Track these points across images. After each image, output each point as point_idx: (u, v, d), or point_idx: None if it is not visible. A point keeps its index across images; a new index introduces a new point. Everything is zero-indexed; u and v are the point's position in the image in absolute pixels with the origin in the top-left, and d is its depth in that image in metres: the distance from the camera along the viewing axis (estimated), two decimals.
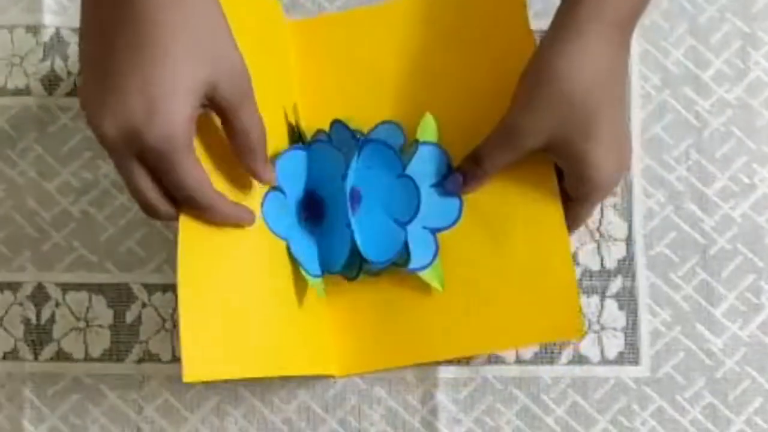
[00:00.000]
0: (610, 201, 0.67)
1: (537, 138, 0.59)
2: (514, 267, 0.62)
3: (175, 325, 0.65)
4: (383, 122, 0.65)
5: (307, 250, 0.62)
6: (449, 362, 0.65)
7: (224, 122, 0.54)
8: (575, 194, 0.61)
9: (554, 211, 0.62)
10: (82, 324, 0.65)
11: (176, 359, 0.65)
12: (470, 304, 0.62)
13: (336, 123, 0.64)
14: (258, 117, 0.55)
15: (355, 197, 0.63)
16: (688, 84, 0.68)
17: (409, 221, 0.63)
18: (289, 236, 0.61)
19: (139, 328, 0.65)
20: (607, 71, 0.58)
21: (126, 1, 0.49)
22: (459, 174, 0.63)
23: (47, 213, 0.66)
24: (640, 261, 0.66)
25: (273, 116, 0.61)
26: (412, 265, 0.62)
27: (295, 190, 0.62)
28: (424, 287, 0.63)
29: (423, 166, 0.64)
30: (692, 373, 0.65)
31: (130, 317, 0.65)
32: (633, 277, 0.66)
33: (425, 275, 0.62)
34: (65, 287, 0.65)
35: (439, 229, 0.63)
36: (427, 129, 0.64)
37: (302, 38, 0.68)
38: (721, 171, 0.68)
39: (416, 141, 0.64)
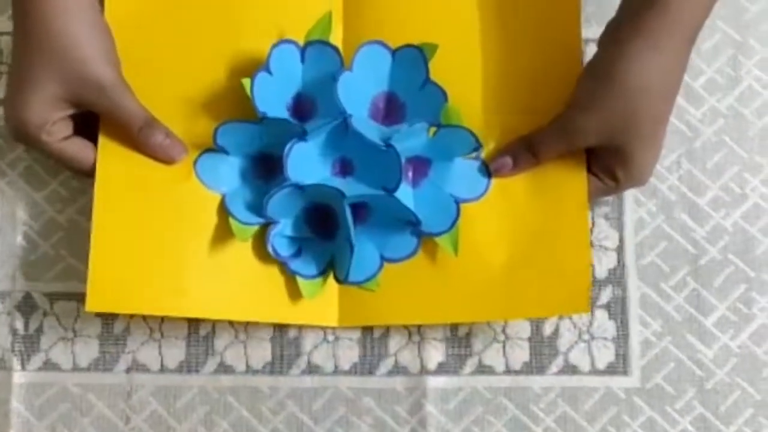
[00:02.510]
0: (601, 210, 0.67)
1: (595, 138, 0.61)
2: (531, 241, 0.63)
3: (162, 333, 0.65)
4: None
5: (246, 203, 0.63)
6: (439, 372, 0.64)
7: None
8: (606, 182, 0.63)
9: (579, 197, 0.63)
10: (70, 334, 0.65)
11: (165, 369, 0.64)
12: (481, 271, 0.63)
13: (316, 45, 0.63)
14: (133, 109, 0.61)
15: (348, 166, 0.63)
16: (679, 93, 0.68)
17: (394, 190, 0.62)
18: (225, 191, 0.63)
19: (127, 338, 0.65)
20: (670, 78, 0.60)
21: (16, 19, 0.61)
22: (509, 157, 0.63)
23: (36, 222, 0.66)
24: (631, 271, 0.66)
25: (221, 80, 0.64)
26: (430, 229, 0.63)
27: (243, 150, 0.63)
28: (437, 251, 0.63)
29: (452, 141, 0.64)
30: (682, 384, 0.65)
31: (118, 327, 0.65)
32: (623, 287, 0.66)
33: (441, 240, 0.63)
34: (53, 297, 0.65)
35: (464, 200, 0.64)
36: (452, 115, 0.64)
37: None
38: (713, 180, 0.67)
39: (439, 125, 0.63)
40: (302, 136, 0.61)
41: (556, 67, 0.64)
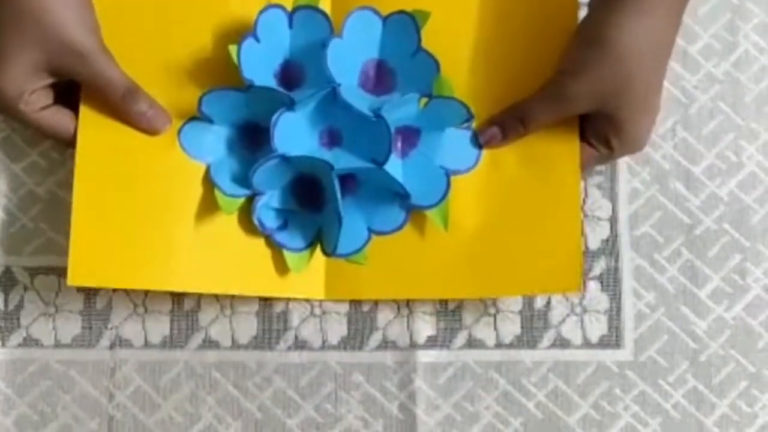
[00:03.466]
0: (594, 180, 0.65)
1: (586, 104, 0.59)
2: (522, 215, 0.62)
3: (146, 308, 0.63)
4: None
5: (232, 174, 0.61)
6: (429, 346, 0.63)
7: None
8: (600, 150, 0.61)
9: (571, 168, 0.62)
10: (51, 309, 0.63)
11: (149, 345, 0.63)
12: (471, 247, 0.62)
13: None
14: (115, 76, 0.59)
15: (335, 137, 0.62)
16: (675, 59, 0.66)
17: (383, 162, 0.60)
18: (210, 161, 0.61)
19: (110, 313, 0.63)
20: (661, 42, 0.58)
21: None
22: (497, 127, 0.62)
23: (14, 195, 0.64)
24: (624, 241, 0.65)
25: (207, 47, 0.62)
26: (420, 201, 0.61)
27: (229, 119, 0.61)
28: (426, 225, 0.62)
29: (443, 111, 0.62)
30: (676, 357, 0.64)
31: (100, 303, 0.63)
32: (617, 258, 0.65)
33: (431, 214, 0.61)
34: (33, 271, 0.64)
35: (454, 172, 0.62)
36: (444, 85, 0.62)
37: None
38: (708, 148, 0.66)
39: (431, 95, 0.62)
40: (290, 105, 0.59)
41: (551, 35, 0.62)
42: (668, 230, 0.65)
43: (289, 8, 0.61)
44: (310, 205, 0.62)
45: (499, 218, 0.62)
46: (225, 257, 0.61)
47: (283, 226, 0.62)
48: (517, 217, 0.62)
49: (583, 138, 0.62)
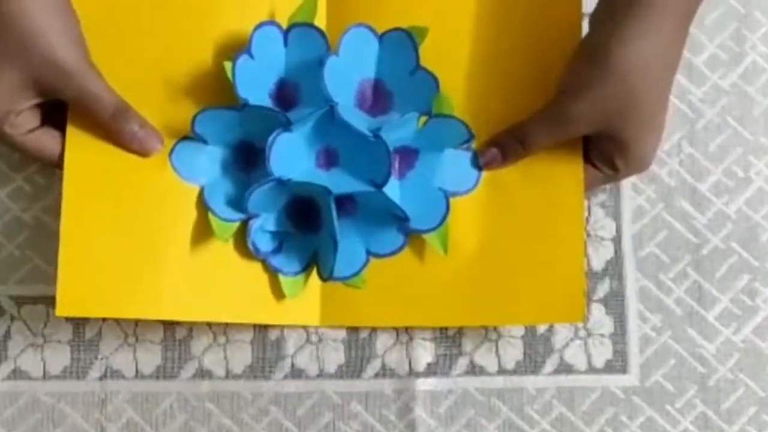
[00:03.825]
0: (597, 198, 0.63)
1: (589, 126, 0.57)
2: (523, 240, 0.60)
3: (137, 337, 0.62)
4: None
5: (226, 197, 0.59)
6: (428, 373, 0.61)
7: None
8: (605, 171, 0.59)
9: (575, 191, 0.60)
10: (39, 340, 0.61)
11: (141, 375, 0.61)
12: (471, 273, 0.60)
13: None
14: (103, 94, 0.57)
15: (332, 157, 0.59)
16: (680, 71, 0.63)
17: (382, 184, 0.58)
18: (204, 183, 0.59)
19: (99, 342, 0.61)
20: (668, 58, 0.56)
21: None
22: (497, 149, 0.60)
23: None
24: (629, 262, 0.63)
25: (199, 64, 0.60)
26: (418, 225, 0.59)
27: (223, 139, 0.59)
28: (425, 250, 0.60)
29: (442, 130, 0.60)
30: (683, 381, 0.62)
31: (90, 332, 0.61)
32: (621, 280, 0.63)
33: (429, 238, 0.59)
34: (20, 300, 0.62)
35: (454, 193, 0.60)
36: (444, 103, 0.60)
37: None
38: (715, 164, 0.64)
39: (430, 114, 0.60)
40: (286, 126, 0.57)
41: (553, 53, 0.59)
42: (674, 250, 0.63)
43: (284, 26, 0.59)
44: (306, 227, 0.60)
45: (500, 242, 0.60)
46: (218, 284, 0.59)
47: (278, 249, 0.60)
48: (519, 242, 0.60)
49: (587, 159, 0.60)
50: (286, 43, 0.59)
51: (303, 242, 0.60)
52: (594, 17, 0.57)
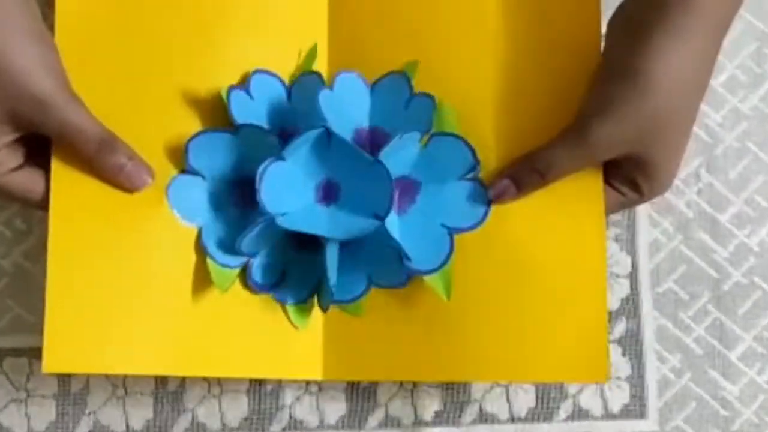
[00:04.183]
0: (611, 232, 0.60)
1: (617, 149, 0.52)
2: (537, 283, 0.55)
3: (126, 390, 0.58)
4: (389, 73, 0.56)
5: (224, 240, 0.55)
6: (436, 423, 0.58)
7: None
8: (627, 194, 0.55)
9: (595, 225, 0.55)
10: (22, 394, 0.58)
11: (132, 430, 0.58)
12: (478, 321, 0.55)
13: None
14: (86, 125, 0.53)
15: (333, 191, 0.55)
16: None
17: (385, 215, 0.53)
18: (201, 223, 0.55)
19: (87, 396, 0.58)
20: (698, 74, 0.52)
21: None
22: (508, 180, 0.55)
23: None
24: (646, 300, 0.59)
25: (193, 90, 0.55)
26: (419, 265, 0.54)
27: (219, 171, 0.55)
28: (428, 294, 0.55)
29: (445, 157, 0.55)
30: (705, 426, 0.59)
31: (76, 385, 0.58)
32: (638, 319, 0.59)
33: (431, 280, 0.54)
34: (1, 353, 0.58)
35: (458, 230, 0.55)
36: (446, 120, 0.55)
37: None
38: (736, 193, 0.60)
39: (431, 133, 0.56)
40: (279, 151, 0.53)
41: (571, 71, 0.55)
42: (693, 286, 0.60)
43: (286, 78, 0.56)
44: (309, 250, 0.55)
45: (510, 286, 0.55)
46: (216, 336, 0.55)
47: (281, 280, 0.56)
48: (532, 286, 0.55)
49: (606, 180, 0.55)
50: (289, 97, 0.56)
51: (308, 267, 0.55)
52: (614, 26, 0.53)
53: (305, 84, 0.56)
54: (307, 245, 0.55)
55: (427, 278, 0.55)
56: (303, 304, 0.56)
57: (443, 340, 0.55)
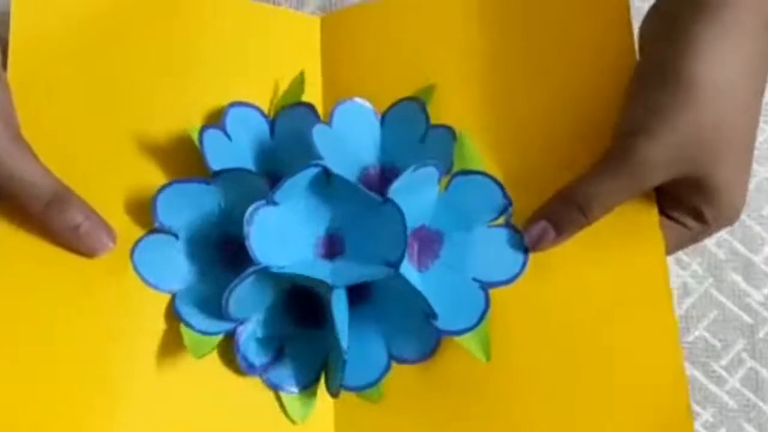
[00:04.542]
0: None
1: (671, 170, 0.44)
2: (593, 340, 0.46)
3: None
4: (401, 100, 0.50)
5: (203, 304, 0.47)
6: None
7: None
8: (690, 226, 0.47)
9: (655, 262, 0.46)
10: None
11: None
12: (523, 387, 0.46)
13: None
14: (35, 177, 0.45)
15: (336, 244, 0.48)
16: None
17: (398, 261, 0.46)
18: (175, 289, 0.47)
19: None
20: (754, 74, 0.45)
21: None
22: (545, 222, 0.47)
23: None
24: None
25: (163, 135, 0.49)
26: (448, 326, 0.46)
27: (196, 229, 0.48)
28: (462, 357, 0.47)
29: (470, 198, 0.48)
30: None
31: None
32: None
33: (465, 340, 0.46)
34: None
35: (492, 284, 0.47)
36: (469, 154, 0.49)
37: (331, 32, 0.53)
38: None
39: (452, 172, 0.49)
40: (270, 195, 0.46)
41: (604, 87, 0.48)
42: (726, 333, 0.55)
43: (267, 111, 0.50)
44: (312, 321, 0.48)
45: (560, 345, 0.46)
46: (199, 416, 0.47)
47: (276, 359, 0.48)
48: (586, 342, 0.46)
49: (662, 211, 0.47)
50: (272, 133, 0.50)
51: (310, 343, 0.48)
52: (651, 29, 0.47)
53: (293, 117, 0.49)
54: (309, 318, 0.48)
55: (460, 339, 0.47)
56: (304, 393, 0.48)
57: (479, 410, 0.47)
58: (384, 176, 0.50)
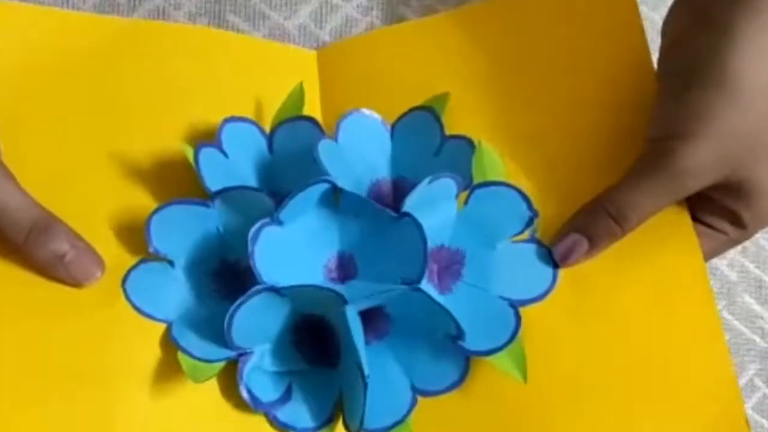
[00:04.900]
0: None
1: (712, 175, 0.42)
2: (638, 356, 0.44)
3: None
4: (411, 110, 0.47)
5: (203, 333, 0.44)
6: None
7: None
8: (727, 231, 0.45)
9: (695, 269, 0.44)
10: None
11: None
12: (567, 406, 0.44)
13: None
14: (17, 205, 0.42)
15: (348, 266, 0.45)
16: None
17: (418, 278, 0.42)
18: (172, 319, 0.44)
19: None
20: None
21: None
22: (577, 233, 0.44)
23: None
24: None
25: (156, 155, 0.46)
26: (477, 346, 0.43)
27: (193, 255, 0.45)
28: (494, 381, 0.44)
29: (492, 212, 0.45)
30: None
31: None
32: None
33: (499, 360, 0.43)
34: None
35: (522, 302, 0.44)
36: (489, 165, 0.46)
37: (329, 64, 0.51)
38: None
39: (471, 186, 0.45)
40: (274, 215, 0.43)
41: (622, 88, 0.46)
42: (739, 357, 0.53)
43: (266, 127, 0.47)
44: (323, 359, 0.45)
45: (600, 359, 0.44)
46: None
47: (286, 396, 0.44)
48: (628, 354, 0.44)
49: (695, 217, 0.45)
50: (271, 148, 0.46)
51: (322, 381, 0.44)
52: (679, 22, 0.44)
53: (294, 131, 0.46)
54: (321, 350, 0.44)
55: (492, 359, 0.43)
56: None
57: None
58: (396, 191, 0.47)
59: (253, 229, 0.42)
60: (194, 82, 0.48)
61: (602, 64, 0.47)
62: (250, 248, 0.42)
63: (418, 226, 0.42)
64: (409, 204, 0.43)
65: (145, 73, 0.47)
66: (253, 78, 0.49)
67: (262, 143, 0.46)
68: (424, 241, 0.42)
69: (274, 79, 0.49)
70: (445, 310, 0.42)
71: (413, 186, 0.44)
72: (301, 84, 0.47)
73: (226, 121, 0.45)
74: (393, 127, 0.47)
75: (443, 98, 0.47)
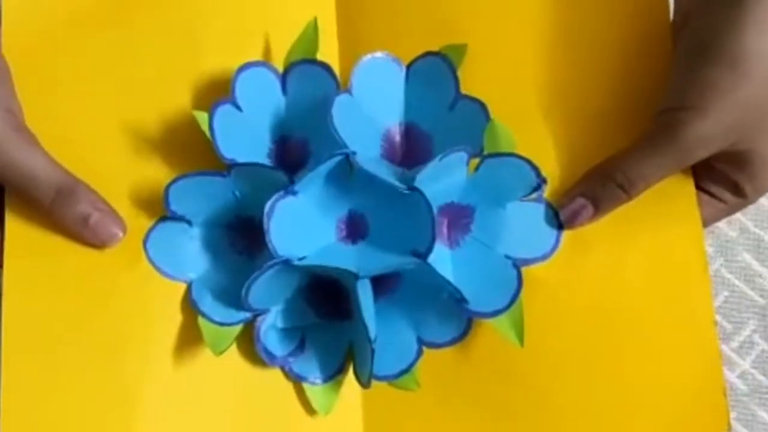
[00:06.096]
0: None
1: (713, 147, 0.44)
2: (629, 325, 0.46)
3: None
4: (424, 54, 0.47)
5: (222, 293, 0.45)
6: None
7: None
8: (726, 199, 0.47)
9: (693, 238, 0.46)
10: None
11: None
12: (559, 372, 0.46)
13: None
14: (41, 169, 0.44)
15: (359, 225, 0.46)
16: None
17: (426, 252, 0.43)
18: (191, 278, 0.46)
19: None
20: None
21: None
22: (582, 197, 0.46)
23: None
24: None
25: (173, 119, 0.47)
26: (480, 307, 0.44)
27: (211, 216, 0.46)
28: (495, 341, 0.45)
29: (502, 178, 0.46)
30: None
31: None
32: None
33: (498, 323, 0.45)
34: None
35: (525, 261, 0.46)
36: (501, 138, 0.46)
37: None
38: None
39: (482, 154, 0.46)
40: (289, 187, 0.44)
41: (641, 60, 0.47)
42: (738, 314, 0.54)
43: (280, 68, 0.46)
44: (335, 313, 0.46)
45: (596, 322, 0.46)
46: (219, 414, 0.45)
47: (299, 349, 0.46)
48: (622, 318, 0.45)
49: (698, 185, 0.46)
50: (285, 90, 0.47)
51: (332, 333, 0.46)
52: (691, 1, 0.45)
53: (308, 76, 0.46)
54: (332, 309, 0.46)
55: (492, 321, 0.45)
56: (327, 385, 0.46)
57: (519, 406, 0.46)
58: (408, 137, 0.47)
59: (268, 204, 0.43)
60: (204, 21, 0.48)
61: (621, 30, 0.48)
62: (265, 224, 0.43)
63: (428, 204, 0.43)
64: (420, 179, 0.44)
65: (155, 15, 0.48)
66: (266, 12, 0.49)
67: (276, 86, 0.47)
68: (433, 217, 0.43)
69: (288, 14, 0.49)
70: (450, 283, 0.44)
71: (424, 135, 0.46)
72: (315, 20, 0.47)
73: (240, 70, 0.45)
74: (408, 68, 0.47)
75: (461, 49, 0.47)
